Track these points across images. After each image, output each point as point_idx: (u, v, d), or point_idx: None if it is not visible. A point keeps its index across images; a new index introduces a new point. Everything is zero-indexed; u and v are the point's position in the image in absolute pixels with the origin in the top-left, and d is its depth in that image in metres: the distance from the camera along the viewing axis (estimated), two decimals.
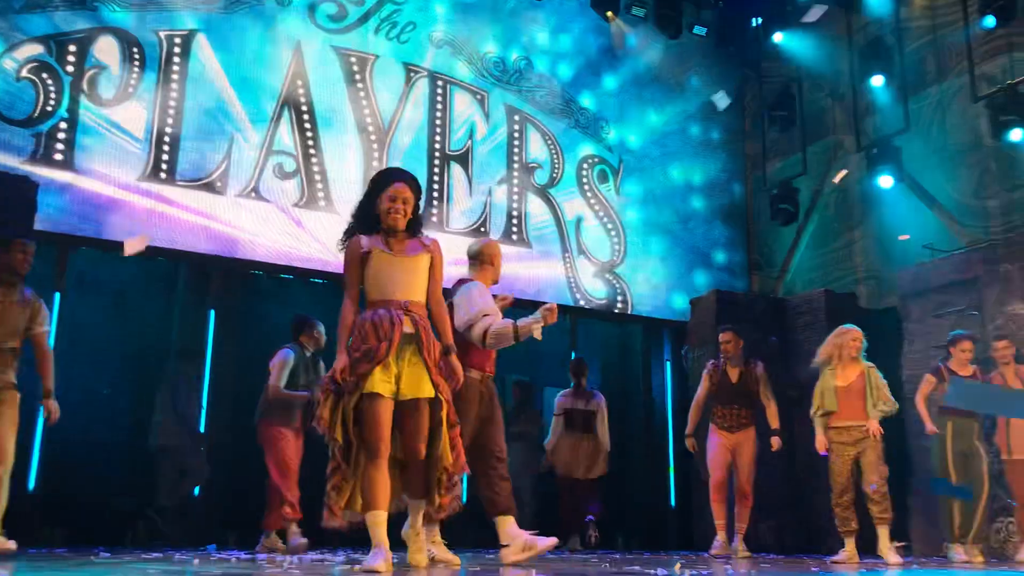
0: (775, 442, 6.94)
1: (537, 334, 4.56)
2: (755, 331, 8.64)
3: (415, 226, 4.14)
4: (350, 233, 4.14)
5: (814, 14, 9.37)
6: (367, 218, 4.11)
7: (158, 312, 7.57)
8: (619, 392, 9.49)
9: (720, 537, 7.06)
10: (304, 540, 6.15)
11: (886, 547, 6.15)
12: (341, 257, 4.13)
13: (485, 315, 4.66)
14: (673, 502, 9.27)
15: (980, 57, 8.18)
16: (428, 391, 3.96)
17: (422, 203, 4.36)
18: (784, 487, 7.90)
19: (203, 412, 7.30)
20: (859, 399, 6.41)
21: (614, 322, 9.64)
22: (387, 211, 4.04)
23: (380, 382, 3.88)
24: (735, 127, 10.27)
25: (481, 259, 5.06)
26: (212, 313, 7.60)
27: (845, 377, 6.48)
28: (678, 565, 4.99)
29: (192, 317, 7.59)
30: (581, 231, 9.49)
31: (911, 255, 8.26)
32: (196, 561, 4.77)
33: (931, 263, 8.01)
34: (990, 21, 8.02)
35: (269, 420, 6.34)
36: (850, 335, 6.51)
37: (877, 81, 8.95)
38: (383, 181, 4.14)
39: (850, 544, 6.33)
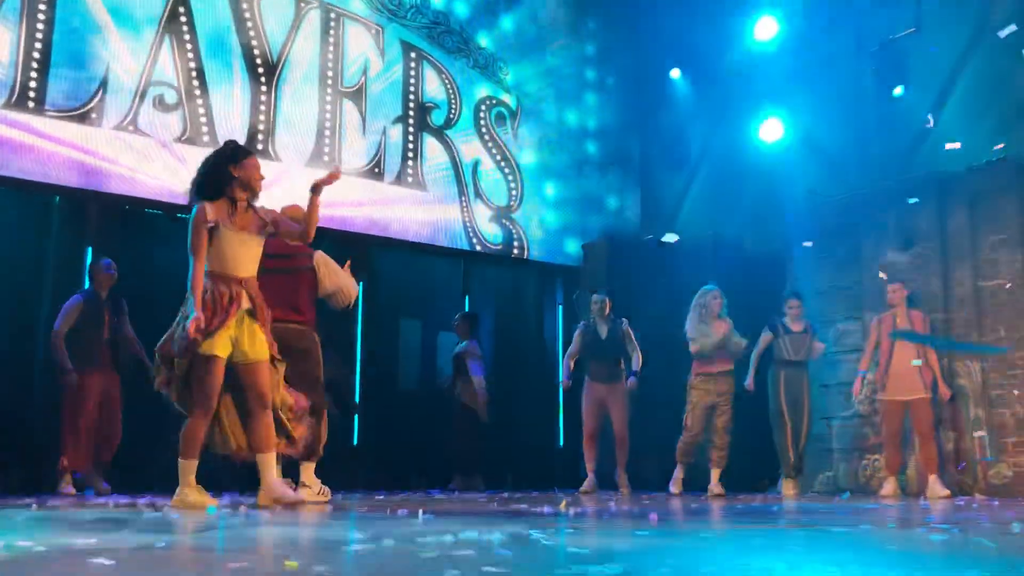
0: (631, 383, 7.61)
1: None
2: (645, 276, 8.82)
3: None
4: (197, 196, 4.38)
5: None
6: (217, 182, 4.35)
7: (30, 250, 7.17)
8: (511, 336, 9.55)
9: (590, 478, 7.65)
10: (73, 491, 6.26)
11: (716, 484, 7.14)
12: None
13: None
14: (561, 442, 9.45)
15: (868, 9, 8.39)
16: (266, 353, 4.40)
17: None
18: (670, 429, 8.16)
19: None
20: (725, 351, 7.29)
21: (508, 267, 9.65)
22: (256, 179, 4.39)
23: (219, 346, 4.26)
24: (630, 73, 10.29)
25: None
26: (88, 251, 7.24)
27: (716, 331, 7.26)
28: (563, 503, 5.09)
29: (67, 255, 7.22)
30: (478, 174, 9.41)
31: (796, 201, 8.50)
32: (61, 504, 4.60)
33: (815, 209, 8.27)
34: None
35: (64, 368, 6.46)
36: (711, 295, 7.34)
37: (768, 27, 9.05)
38: (242, 152, 4.47)
39: (682, 473, 7.35)
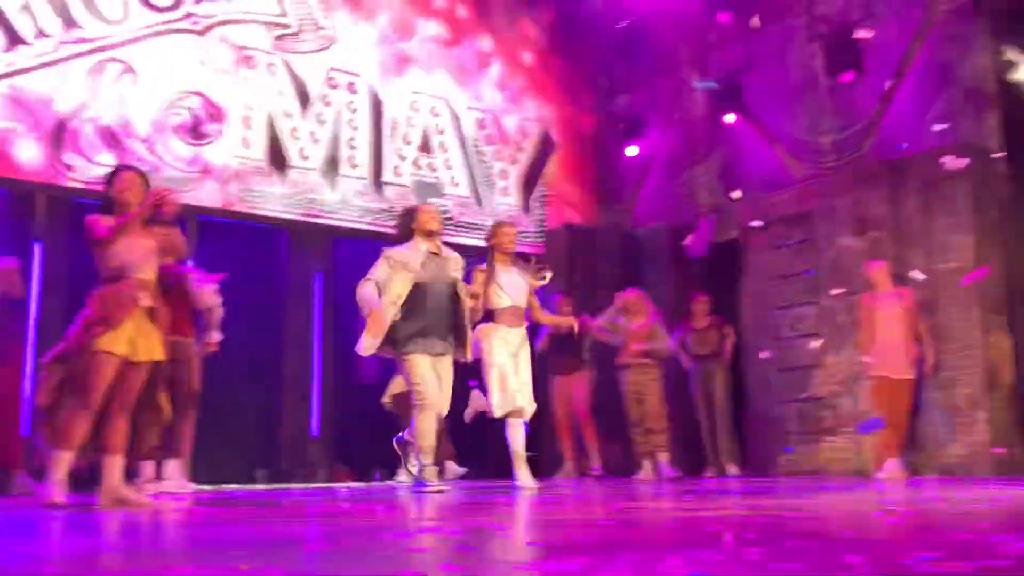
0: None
1: None
2: (604, 264, 8.84)
3: None
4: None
5: None
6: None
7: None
8: None
9: (569, 464, 7.81)
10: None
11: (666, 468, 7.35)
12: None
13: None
14: None
15: None
16: (160, 354, 4.30)
17: None
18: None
19: None
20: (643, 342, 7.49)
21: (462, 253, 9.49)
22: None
23: (116, 342, 4.13)
24: (584, 61, 10.25)
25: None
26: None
27: (636, 321, 7.51)
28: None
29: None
30: None
31: (751, 189, 8.55)
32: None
33: (769, 197, 8.32)
34: None
35: None
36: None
37: (724, 17, 9.04)
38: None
39: (648, 464, 7.44)
